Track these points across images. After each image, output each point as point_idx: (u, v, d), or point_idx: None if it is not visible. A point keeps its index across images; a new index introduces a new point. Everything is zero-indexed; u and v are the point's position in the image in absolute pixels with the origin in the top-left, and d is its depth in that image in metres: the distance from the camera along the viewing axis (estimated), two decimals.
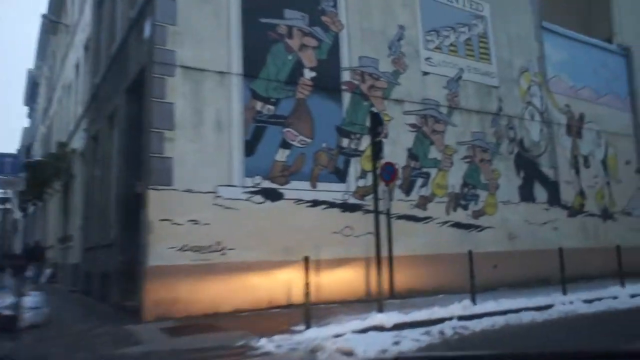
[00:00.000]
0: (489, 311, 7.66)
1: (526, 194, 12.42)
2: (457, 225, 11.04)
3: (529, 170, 12.64)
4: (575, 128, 14.02)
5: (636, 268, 14.08)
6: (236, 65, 8.89)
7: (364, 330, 6.49)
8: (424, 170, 10.78)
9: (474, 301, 8.11)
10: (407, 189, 10.46)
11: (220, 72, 8.74)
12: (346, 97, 10.02)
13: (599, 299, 9.15)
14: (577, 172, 13.73)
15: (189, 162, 8.18)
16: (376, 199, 9.44)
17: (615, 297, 9.36)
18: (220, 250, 8.19)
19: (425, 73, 11.21)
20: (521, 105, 12.95)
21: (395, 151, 10.42)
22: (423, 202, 10.61)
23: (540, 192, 12.73)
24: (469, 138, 11.68)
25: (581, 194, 13.66)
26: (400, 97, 10.74)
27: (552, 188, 13.03)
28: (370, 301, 7.83)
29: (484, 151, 11.87)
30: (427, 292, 9.95)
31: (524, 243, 12.01)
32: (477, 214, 11.40)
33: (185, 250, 7.92)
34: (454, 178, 11.21)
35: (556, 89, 13.84)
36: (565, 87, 14.10)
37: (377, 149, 9.60)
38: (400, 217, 10.17)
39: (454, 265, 10.40)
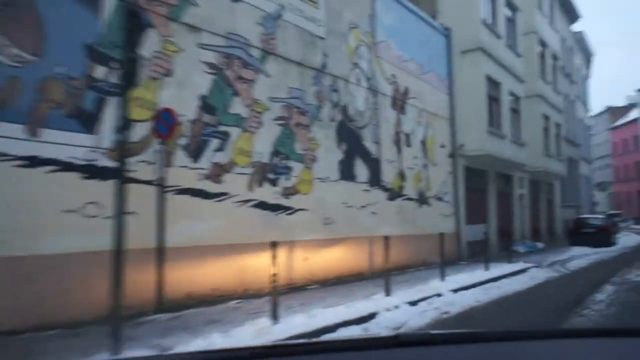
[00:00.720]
0: (295, 334, 5.14)
1: (347, 171, 10.45)
2: (262, 205, 8.42)
3: (352, 144, 10.70)
4: (399, 102, 12.61)
5: (445, 255, 13.41)
6: None
7: None
8: (222, 128, 7.86)
9: (274, 317, 5.52)
10: (196, 153, 7.42)
11: None
12: (109, 4, 6.49)
13: (424, 299, 7.46)
14: (399, 150, 12.35)
15: None
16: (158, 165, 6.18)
17: (439, 295, 7.81)
18: None
19: None
20: (348, 66, 10.90)
21: (182, 97, 7.28)
22: (217, 172, 7.70)
23: (362, 170, 10.91)
24: (285, 95, 9.13)
25: (401, 175, 12.32)
26: (196, 22, 7.59)
27: (374, 166, 11.35)
28: (110, 323, 4.66)
29: (302, 114, 9.45)
30: (213, 299, 7.15)
31: (341, 229, 10.03)
32: (288, 192, 8.95)
33: None
34: (263, 144, 8.55)
35: (384, 56, 12.18)
36: (393, 55, 12.56)
37: (129, 74, 6.36)
38: (181, 192, 7.11)
39: (253, 260, 7.78)
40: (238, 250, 7.72)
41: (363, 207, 10.78)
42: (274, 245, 5.68)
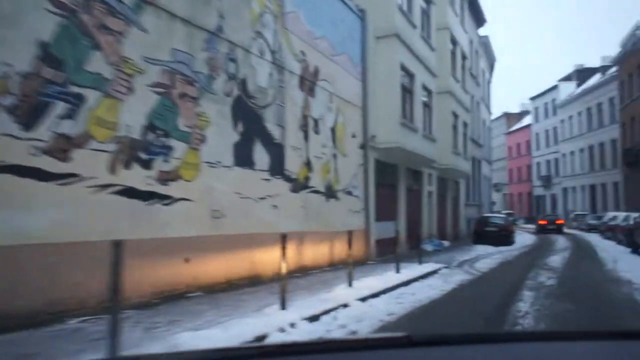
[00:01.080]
0: None
1: (243, 157, 8.86)
2: (130, 192, 6.58)
3: (251, 124, 9.13)
4: (309, 83, 11.23)
5: (353, 255, 12.33)
6: None
7: None
8: (74, 89, 5.93)
9: (113, 349, 3.83)
10: (29, 118, 5.45)
11: None
12: None
13: (328, 312, 6.14)
14: (306, 137, 10.98)
15: None
16: None
17: (345, 305, 6.53)
18: None
19: None
20: (250, 34, 9.29)
21: (10, 40, 5.29)
22: (63, 147, 5.77)
23: (262, 157, 9.37)
24: (168, 57, 7.33)
25: (308, 164, 10.97)
26: None
27: (277, 153, 9.87)
28: None
29: (188, 83, 7.71)
30: (45, 319, 5.28)
31: (234, 224, 8.43)
32: (167, 178, 7.19)
33: None
34: (133, 115, 6.70)
35: (293, 29, 10.73)
36: (303, 30, 11.14)
37: None
38: (2, 170, 5.14)
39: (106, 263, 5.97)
40: (84, 251, 5.87)
41: (262, 199, 9.26)
42: (117, 245, 3.98)
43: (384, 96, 14.40)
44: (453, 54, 22.33)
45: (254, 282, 8.27)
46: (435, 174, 20.48)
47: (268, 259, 9.16)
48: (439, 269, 11.29)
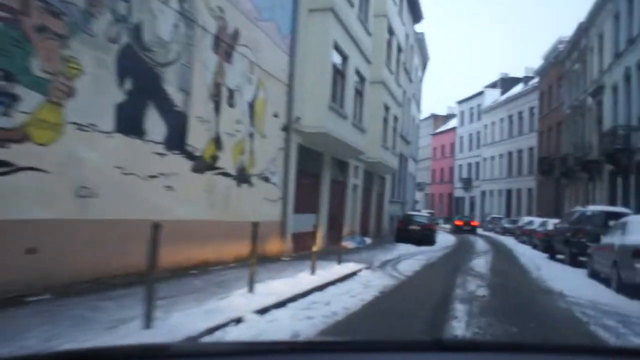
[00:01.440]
0: None
1: (130, 122, 7.04)
2: None
3: (144, 84, 7.30)
4: (225, 46, 9.52)
5: (265, 249, 10.86)
6: None
7: None
8: None
9: None
10: None
11: None
12: None
13: (213, 330, 4.59)
14: (218, 109, 9.28)
15: None
16: None
17: (239, 320, 5.03)
18: None
19: None
20: None
21: None
22: None
23: (156, 125, 7.59)
24: None
25: (217, 141, 9.29)
26: None
27: (177, 123, 8.11)
28: None
29: (53, 14, 5.79)
30: None
31: (110, 207, 6.63)
32: (7, 138, 5.28)
33: None
34: None
35: None
36: None
37: None
38: None
39: None
40: None
41: (153, 177, 7.49)
42: None
43: (314, 75, 12.96)
44: (389, 44, 21.37)
45: (132, 281, 6.52)
46: (363, 167, 19.43)
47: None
48: (360, 270, 10.08)
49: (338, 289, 7.77)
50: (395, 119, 23.44)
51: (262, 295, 6.10)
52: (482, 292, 8.08)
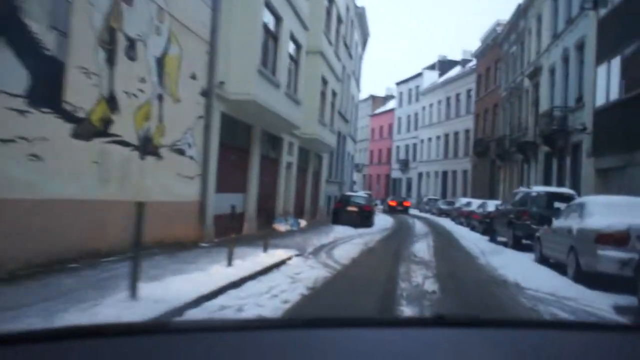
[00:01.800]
0: None
1: None
2: None
3: None
4: None
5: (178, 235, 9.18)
6: None
7: None
8: None
9: None
10: None
11: None
12: None
13: None
14: (112, 60, 7.38)
15: None
16: None
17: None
18: None
19: None
20: None
21: None
22: None
23: (12, 72, 5.66)
24: None
25: (111, 101, 7.40)
26: None
27: (47, 71, 6.17)
28: None
29: None
30: None
31: None
32: None
33: None
34: None
35: None
36: None
37: None
38: None
39: None
40: None
41: (7, 142, 5.58)
42: None
43: (241, 34, 11.19)
44: (328, 12, 19.82)
45: None
46: (297, 143, 17.92)
47: (13, 241, 5.59)
48: (289, 258, 8.66)
49: (259, 284, 6.28)
50: (334, 94, 22.04)
51: (149, 302, 4.49)
52: (430, 286, 6.86)
